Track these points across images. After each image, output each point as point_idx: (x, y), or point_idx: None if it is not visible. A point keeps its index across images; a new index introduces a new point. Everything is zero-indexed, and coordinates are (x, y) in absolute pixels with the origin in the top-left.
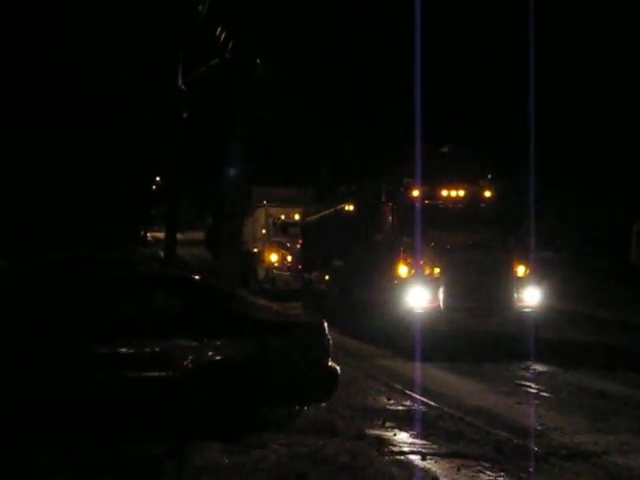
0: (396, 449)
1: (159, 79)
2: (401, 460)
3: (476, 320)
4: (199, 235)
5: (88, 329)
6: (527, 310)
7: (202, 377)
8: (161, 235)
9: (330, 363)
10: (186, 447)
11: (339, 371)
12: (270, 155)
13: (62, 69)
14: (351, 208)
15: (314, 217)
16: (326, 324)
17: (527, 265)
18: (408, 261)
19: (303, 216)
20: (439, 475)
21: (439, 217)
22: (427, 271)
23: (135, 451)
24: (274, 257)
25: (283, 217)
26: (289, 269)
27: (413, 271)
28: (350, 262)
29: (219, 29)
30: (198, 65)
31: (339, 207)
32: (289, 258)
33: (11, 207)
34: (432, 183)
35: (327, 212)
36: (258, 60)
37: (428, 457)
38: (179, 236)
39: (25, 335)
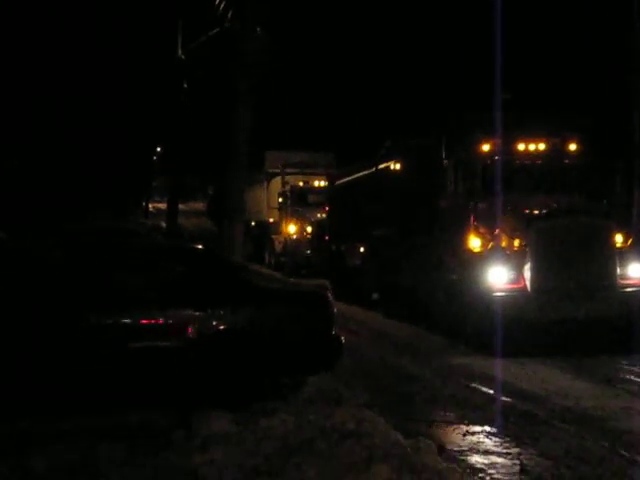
0: None
1: (160, 48)
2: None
3: (572, 304)
4: (200, 205)
5: (94, 300)
6: (632, 290)
7: (207, 347)
8: (163, 206)
9: (334, 332)
10: (194, 417)
11: (343, 340)
12: (283, 116)
13: (58, 34)
14: (398, 167)
15: (345, 180)
16: (330, 293)
17: (628, 234)
18: (482, 231)
19: (331, 180)
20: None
21: (517, 176)
22: (507, 244)
23: (144, 421)
24: (292, 228)
25: (302, 184)
26: (310, 241)
27: (489, 244)
28: (398, 232)
29: None
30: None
31: (381, 167)
32: (309, 229)
33: (10, 178)
34: (506, 135)
35: (364, 173)
36: (258, 29)
37: None
38: (181, 206)
39: (30, 307)
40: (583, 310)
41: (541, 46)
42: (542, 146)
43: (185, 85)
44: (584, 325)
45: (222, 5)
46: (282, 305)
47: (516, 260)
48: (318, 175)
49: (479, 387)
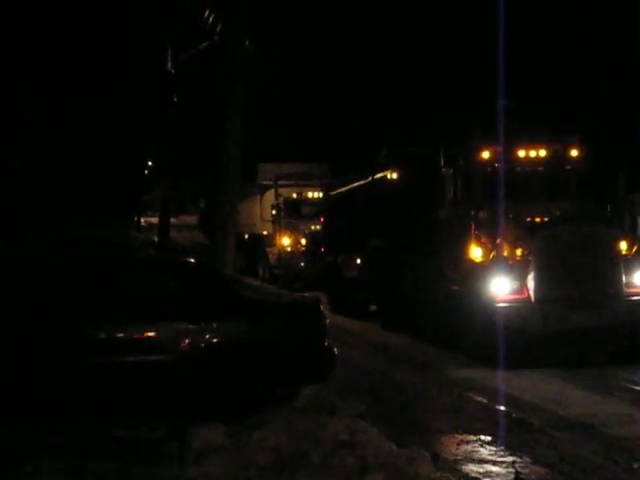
0: None
1: (149, 62)
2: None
3: (577, 314)
4: (192, 219)
5: (87, 314)
6: (638, 298)
7: (200, 360)
8: (155, 220)
9: (327, 343)
10: (187, 430)
11: (336, 351)
12: (275, 127)
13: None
14: (395, 176)
15: (341, 190)
16: (323, 305)
17: (633, 241)
18: (483, 241)
19: (326, 190)
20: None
21: (518, 184)
22: (509, 253)
23: (136, 435)
24: (286, 240)
25: (295, 195)
26: (305, 253)
27: (491, 253)
28: (396, 243)
29: (207, 11)
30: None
31: (377, 176)
32: (303, 241)
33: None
34: (506, 142)
35: (360, 183)
36: (247, 42)
37: None
38: (173, 220)
39: (22, 318)
40: (588, 320)
41: (540, 50)
42: (543, 152)
43: (175, 99)
44: (589, 335)
45: (211, 18)
46: (275, 317)
47: (519, 270)
48: (312, 186)
49: (476, 397)
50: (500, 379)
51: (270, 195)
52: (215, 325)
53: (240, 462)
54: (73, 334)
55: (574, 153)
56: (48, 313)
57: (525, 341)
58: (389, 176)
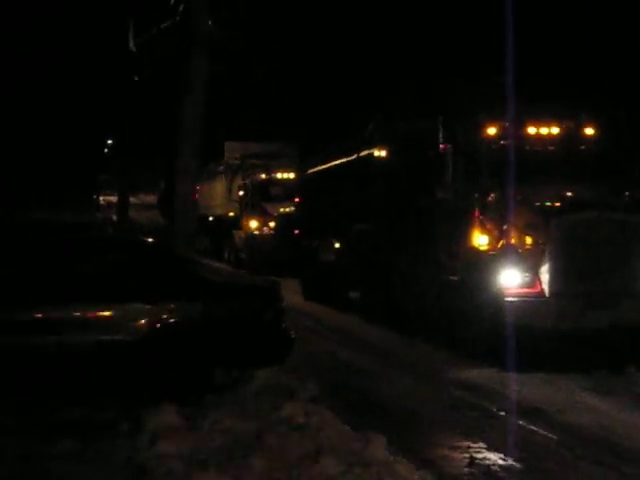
0: None
1: (109, 40)
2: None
3: (596, 312)
4: (152, 198)
5: (42, 293)
6: None
7: (157, 340)
8: (114, 199)
9: (284, 326)
10: (144, 410)
11: (293, 335)
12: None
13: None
14: (383, 154)
15: (319, 168)
16: (280, 286)
17: None
18: (489, 227)
19: (302, 168)
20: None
21: (527, 164)
22: (520, 241)
23: (90, 416)
24: (254, 222)
25: (264, 176)
26: (275, 236)
27: (498, 241)
28: (383, 226)
29: None
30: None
31: (363, 153)
32: (272, 223)
33: None
34: (514, 117)
35: (342, 161)
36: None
37: None
38: (132, 199)
39: None
40: (608, 318)
41: (557, 27)
42: (555, 130)
43: (136, 78)
44: (608, 335)
45: None
46: (231, 299)
47: (531, 260)
48: (282, 166)
49: (478, 402)
50: (507, 383)
51: (237, 175)
52: (171, 306)
53: (194, 443)
54: (26, 314)
55: (589, 132)
56: (5, 293)
57: (537, 340)
58: (377, 153)
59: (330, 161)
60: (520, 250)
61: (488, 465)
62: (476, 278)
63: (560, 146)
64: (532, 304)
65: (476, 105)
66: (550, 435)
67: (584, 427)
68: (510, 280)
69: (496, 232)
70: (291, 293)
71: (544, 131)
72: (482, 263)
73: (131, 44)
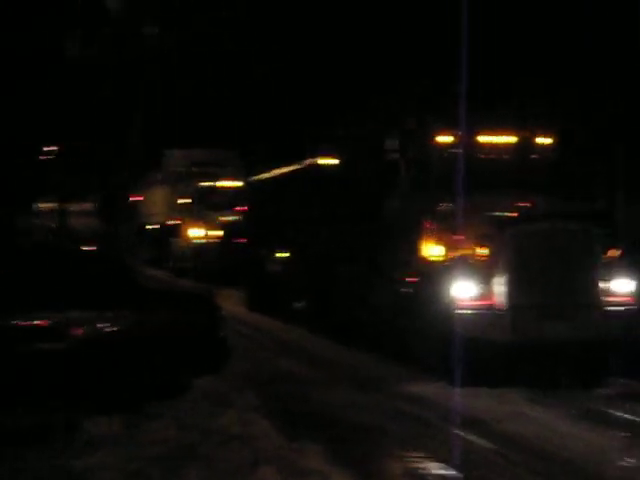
0: None
1: (48, 48)
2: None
3: (552, 325)
4: (91, 206)
5: None
6: (618, 308)
7: (93, 348)
8: (53, 206)
9: (222, 335)
10: (80, 419)
11: (230, 344)
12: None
13: None
14: (332, 162)
15: (266, 177)
16: (216, 295)
17: (612, 243)
18: (441, 237)
19: (249, 176)
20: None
21: (480, 173)
22: (473, 252)
23: (30, 424)
24: (197, 231)
25: (207, 183)
26: (219, 245)
27: (451, 252)
28: (331, 236)
29: None
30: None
31: (309, 161)
32: (216, 232)
33: None
34: (467, 125)
35: (289, 169)
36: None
37: None
38: (71, 206)
39: None
40: (563, 333)
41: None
42: (509, 139)
43: (76, 85)
44: (564, 348)
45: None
46: (168, 307)
47: (485, 272)
48: (226, 174)
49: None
50: (456, 398)
51: (180, 183)
52: (110, 314)
53: (130, 453)
54: None
55: (544, 142)
56: None
57: (490, 354)
58: (325, 162)
59: (277, 169)
60: (473, 261)
61: (425, 475)
62: (428, 290)
63: (514, 155)
64: (486, 316)
65: (428, 112)
66: (489, 445)
67: (523, 437)
68: (463, 292)
69: (449, 243)
70: (234, 303)
71: (498, 140)
72: (434, 274)
73: (70, 51)
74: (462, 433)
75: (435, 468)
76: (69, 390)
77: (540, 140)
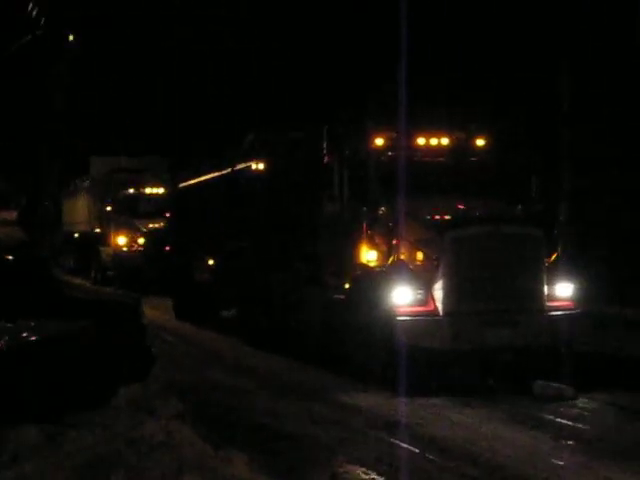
0: None
1: None
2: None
3: (493, 331)
4: (12, 215)
5: None
6: (560, 313)
7: (16, 359)
8: None
9: (146, 342)
10: (2, 431)
11: (155, 352)
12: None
13: None
14: (262, 166)
15: (192, 182)
16: (142, 302)
17: (554, 247)
18: (377, 241)
19: (174, 182)
20: None
21: (418, 176)
22: (411, 256)
23: None
24: (122, 239)
25: (132, 191)
26: (144, 253)
27: (387, 257)
28: (261, 243)
29: (31, 5)
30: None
31: (240, 166)
32: (141, 240)
33: None
34: (402, 127)
35: (216, 175)
36: (71, 37)
37: None
38: None
39: None
40: (505, 339)
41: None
42: (445, 141)
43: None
44: (504, 355)
45: (34, 12)
46: (92, 315)
47: (423, 277)
48: (150, 181)
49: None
50: (395, 408)
51: (103, 190)
52: (32, 323)
53: (55, 462)
54: None
55: (479, 143)
56: None
57: (429, 363)
58: (255, 166)
59: (204, 174)
60: (411, 266)
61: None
62: (364, 296)
63: (451, 157)
64: (425, 323)
65: (363, 113)
66: (413, 448)
67: (448, 440)
68: (401, 298)
69: (385, 247)
70: (161, 312)
71: (434, 142)
72: (370, 280)
73: None
74: (388, 438)
75: (359, 472)
76: None
77: (476, 141)
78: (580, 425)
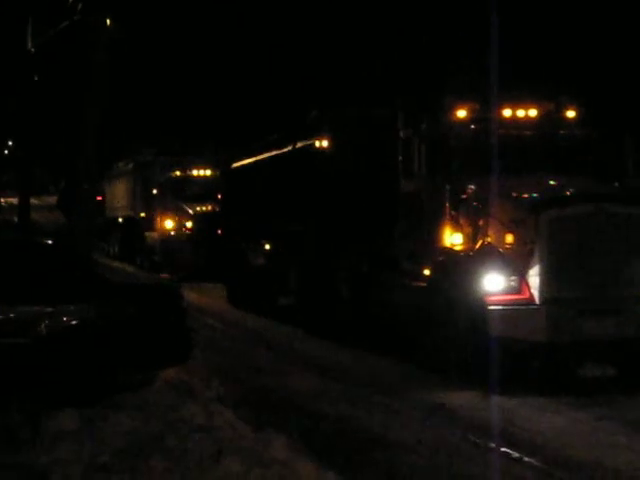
0: None
1: (7, 40)
2: None
3: (597, 321)
4: (54, 199)
5: None
6: None
7: (57, 342)
8: (15, 200)
9: (187, 326)
10: (43, 414)
11: (196, 337)
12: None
13: None
14: (327, 144)
15: (247, 162)
16: (182, 287)
17: None
18: (463, 223)
19: (226, 162)
20: None
21: (505, 150)
22: (503, 240)
23: None
24: (169, 223)
25: (179, 173)
26: (193, 237)
27: (477, 240)
28: (326, 225)
29: None
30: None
31: (300, 144)
32: (189, 224)
33: None
34: (487, 99)
35: (274, 154)
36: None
37: None
38: (35, 201)
39: None
40: (610, 329)
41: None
42: (533, 112)
43: (36, 78)
44: (611, 349)
45: None
46: (132, 300)
47: (516, 262)
48: (198, 163)
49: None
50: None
51: (150, 173)
52: (72, 307)
53: (94, 446)
54: None
55: (570, 115)
56: None
57: (525, 356)
58: (318, 144)
59: (260, 154)
60: (502, 250)
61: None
62: (449, 283)
63: (539, 130)
64: (520, 313)
65: (442, 86)
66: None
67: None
68: (492, 285)
69: (471, 229)
70: (213, 298)
71: (520, 114)
72: (456, 266)
73: (29, 44)
74: (484, 443)
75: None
76: (33, 385)
77: (566, 113)
78: None
